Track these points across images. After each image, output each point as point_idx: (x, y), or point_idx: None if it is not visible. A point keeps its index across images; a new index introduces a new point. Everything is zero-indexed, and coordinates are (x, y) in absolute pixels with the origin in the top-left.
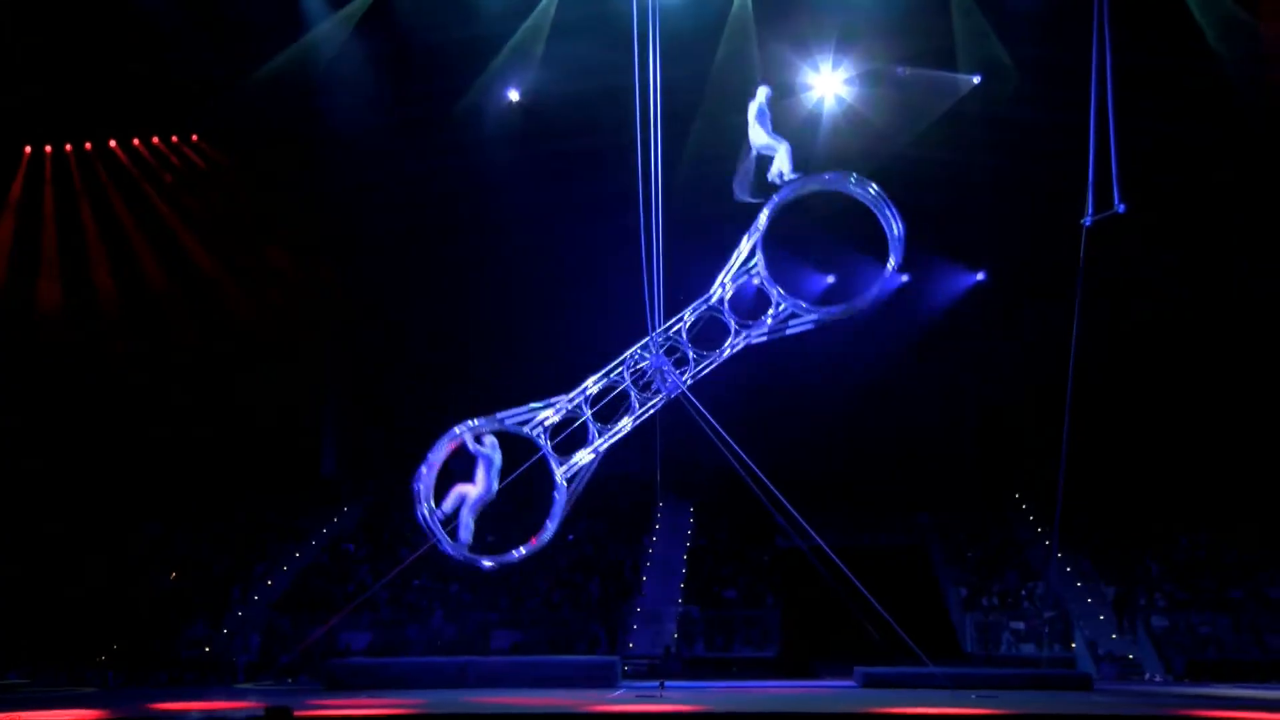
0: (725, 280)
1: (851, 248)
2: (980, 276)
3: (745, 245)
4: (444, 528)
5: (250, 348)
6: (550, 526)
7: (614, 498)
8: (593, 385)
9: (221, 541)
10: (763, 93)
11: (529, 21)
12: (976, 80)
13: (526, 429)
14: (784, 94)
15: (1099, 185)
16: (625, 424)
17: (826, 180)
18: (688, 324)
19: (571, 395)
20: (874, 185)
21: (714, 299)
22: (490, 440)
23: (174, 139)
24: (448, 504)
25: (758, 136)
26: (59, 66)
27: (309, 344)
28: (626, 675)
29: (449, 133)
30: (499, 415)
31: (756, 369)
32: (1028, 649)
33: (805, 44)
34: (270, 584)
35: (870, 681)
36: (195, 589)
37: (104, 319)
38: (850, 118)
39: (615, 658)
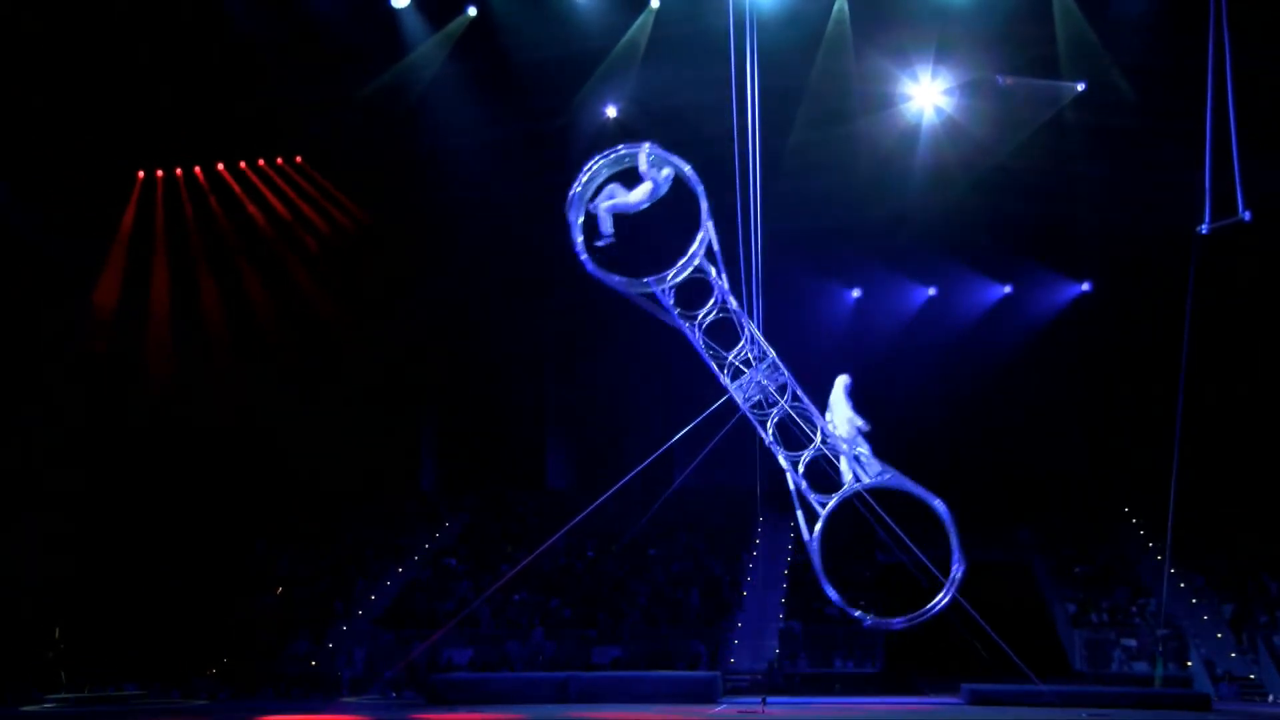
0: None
1: None
2: (1086, 287)
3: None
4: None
5: (350, 365)
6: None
7: (709, 512)
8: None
9: (325, 557)
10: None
11: (626, 37)
12: (1080, 88)
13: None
14: (882, 105)
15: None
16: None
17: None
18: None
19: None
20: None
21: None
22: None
23: (279, 161)
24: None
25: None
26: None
27: (409, 360)
28: (728, 691)
29: (548, 150)
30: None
31: (858, 383)
32: (1140, 667)
33: (904, 54)
34: (373, 599)
35: (977, 699)
36: (300, 605)
37: (208, 337)
38: (950, 129)
39: (716, 673)
